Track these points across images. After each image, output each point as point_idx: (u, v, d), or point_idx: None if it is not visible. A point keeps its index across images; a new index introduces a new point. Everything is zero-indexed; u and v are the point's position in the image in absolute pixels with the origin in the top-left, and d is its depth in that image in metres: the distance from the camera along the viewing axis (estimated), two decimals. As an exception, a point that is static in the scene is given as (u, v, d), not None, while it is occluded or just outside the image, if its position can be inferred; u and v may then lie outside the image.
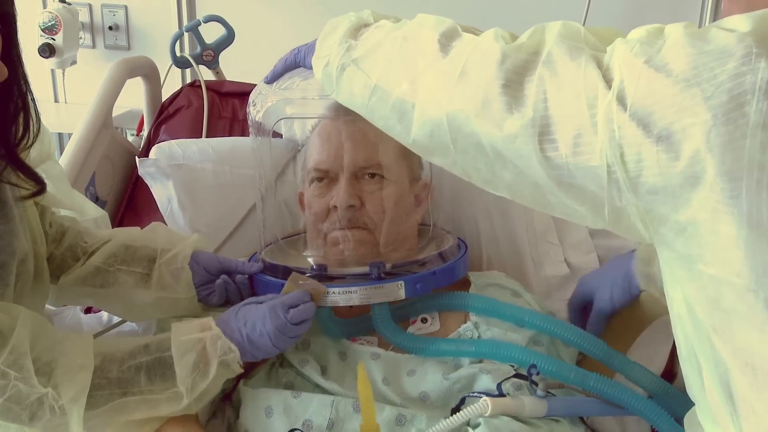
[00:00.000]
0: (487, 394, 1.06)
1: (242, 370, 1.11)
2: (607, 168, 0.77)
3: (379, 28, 0.99)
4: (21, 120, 1.08)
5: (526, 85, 0.81)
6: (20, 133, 1.08)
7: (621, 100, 0.75)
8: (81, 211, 1.36)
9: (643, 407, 1.10)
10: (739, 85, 0.70)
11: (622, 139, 0.75)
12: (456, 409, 1.08)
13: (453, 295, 1.26)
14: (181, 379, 1.06)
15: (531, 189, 0.86)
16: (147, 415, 1.07)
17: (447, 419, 1.02)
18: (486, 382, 1.13)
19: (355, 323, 1.25)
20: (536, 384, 1.08)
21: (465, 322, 1.24)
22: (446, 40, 0.90)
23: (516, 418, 1.05)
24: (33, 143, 1.12)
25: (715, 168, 0.71)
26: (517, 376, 1.09)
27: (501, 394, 1.07)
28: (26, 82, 1.07)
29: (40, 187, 1.14)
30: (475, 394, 1.08)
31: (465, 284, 1.32)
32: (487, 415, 1.02)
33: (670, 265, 0.83)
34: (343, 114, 1.19)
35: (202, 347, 1.08)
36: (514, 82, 0.82)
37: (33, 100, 1.10)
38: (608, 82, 0.77)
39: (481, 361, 1.17)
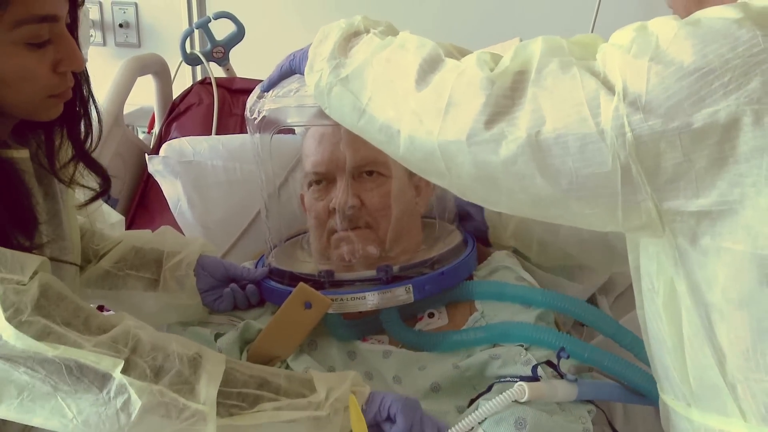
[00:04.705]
0: (522, 378, 1.04)
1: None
2: (621, 171, 0.77)
3: (366, 43, 0.97)
4: (82, 123, 1.09)
5: (517, 107, 0.81)
6: (82, 135, 1.10)
7: (630, 102, 0.75)
8: (105, 217, 1.36)
9: (656, 390, 1.06)
10: (756, 65, 0.72)
11: (639, 138, 0.75)
12: (473, 401, 1.08)
13: (457, 286, 1.26)
14: None
15: (530, 206, 0.87)
16: None
17: (491, 401, 0.99)
18: (495, 367, 1.12)
19: (365, 323, 1.25)
20: (557, 371, 1.07)
21: (472, 314, 1.24)
22: (428, 66, 0.89)
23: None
24: (96, 147, 1.12)
25: (748, 145, 0.73)
26: (548, 363, 1.08)
27: (535, 378, 1.05)
28: (88, 83, 1.08)
29: (107, 185, 1.15)
30: (507, 379, 1.07)
31: (469, 278, 1.31)
32: (523, 400, 1.00)
33: (676, 254, 0.82)
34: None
35: None
36: (504, 107, 0.81)
37: (95, 102, 1.10)
38: (609, 88, 0.77)
39: (493, 347, 1.17)
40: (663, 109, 0.74)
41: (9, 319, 0.88)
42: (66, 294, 0.96)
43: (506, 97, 0.81)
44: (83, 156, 1.10)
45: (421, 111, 0.87)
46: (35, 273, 0.93)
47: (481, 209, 1.42)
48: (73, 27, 1.01)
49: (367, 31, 0.99)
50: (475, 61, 0.86)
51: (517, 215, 0.92)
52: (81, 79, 1.06)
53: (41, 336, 0.90)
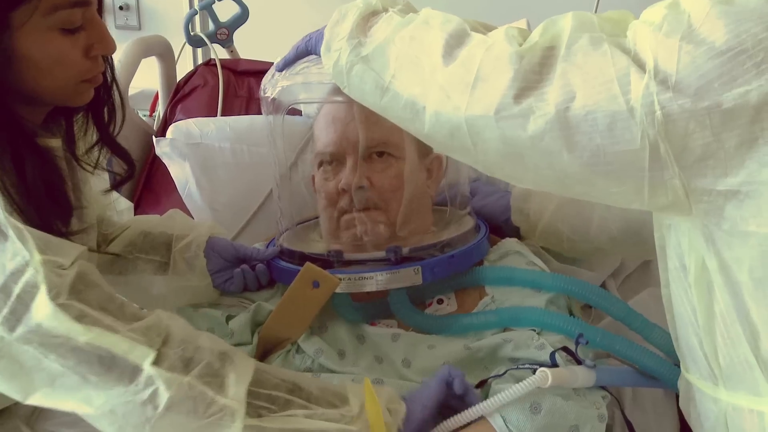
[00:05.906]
0: (541, 365, 1.04)
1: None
2: (649, 149, 0.77)
3: (386, 21, 0.97)
4: (106, 107, 1.11)
5: (546, 83, 0.81)
6: (106, 120, 1.12)
7: (661, 80, 0.75)
8: (114, 204, 1.35)
9: (668, 374, 1.08)
10: None
11: (668, 117, 0.75)
12: (482, 383, 1.07)
13: (466, 271, 1.25)
14: None
15: (556, 182, 0.87)
16: None
17: (511, 388, 0.99)
18: (509, 350, 1.12)
19: (374, 307, 1.25)
20: (574, 357, 1.07)
21: (482, 298, 1.23)
22: (455, 42, 0.89)
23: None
24: (120, 131, 1.14)
25: None
26: (564, 349, 1.08)
27: (554, 364, 1.04)
28: (111, 67, 1.10)
29: (132, 169, 1.17)
30: (525, 366, 1.07)
31: (479, 263, 1.30)
32: (546, 386, 0.99)
33: (706, 232, 0.83)
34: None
35: None
36: (533, 82, 0.82)
37: (118, 86, 1.12)
38: (640, 65, 0.77)
39: (503, 331, 1.17)
40: (693, 89, 0.74)
41: (52, 299, 0.88)
42: (101, 283, 0.96)
43: (535, 72, 0.82)
44: (109, 141, 1.12)
45: (448, 86, 0.87)
46: (75, 260, 0.94)
47: (508, 219, 1.41)
48: (99, 11, 1.02)
49: (386, 10, 0.99)
50: (504, 35, 0.86)
51: (542, 190, 0.93)
52: (105, 64, 1.07)
53: (77, 319, 0.89)
